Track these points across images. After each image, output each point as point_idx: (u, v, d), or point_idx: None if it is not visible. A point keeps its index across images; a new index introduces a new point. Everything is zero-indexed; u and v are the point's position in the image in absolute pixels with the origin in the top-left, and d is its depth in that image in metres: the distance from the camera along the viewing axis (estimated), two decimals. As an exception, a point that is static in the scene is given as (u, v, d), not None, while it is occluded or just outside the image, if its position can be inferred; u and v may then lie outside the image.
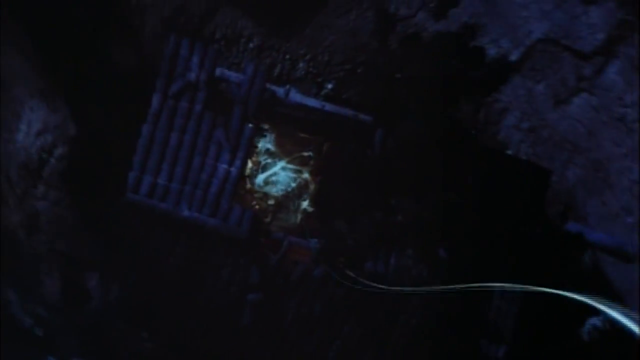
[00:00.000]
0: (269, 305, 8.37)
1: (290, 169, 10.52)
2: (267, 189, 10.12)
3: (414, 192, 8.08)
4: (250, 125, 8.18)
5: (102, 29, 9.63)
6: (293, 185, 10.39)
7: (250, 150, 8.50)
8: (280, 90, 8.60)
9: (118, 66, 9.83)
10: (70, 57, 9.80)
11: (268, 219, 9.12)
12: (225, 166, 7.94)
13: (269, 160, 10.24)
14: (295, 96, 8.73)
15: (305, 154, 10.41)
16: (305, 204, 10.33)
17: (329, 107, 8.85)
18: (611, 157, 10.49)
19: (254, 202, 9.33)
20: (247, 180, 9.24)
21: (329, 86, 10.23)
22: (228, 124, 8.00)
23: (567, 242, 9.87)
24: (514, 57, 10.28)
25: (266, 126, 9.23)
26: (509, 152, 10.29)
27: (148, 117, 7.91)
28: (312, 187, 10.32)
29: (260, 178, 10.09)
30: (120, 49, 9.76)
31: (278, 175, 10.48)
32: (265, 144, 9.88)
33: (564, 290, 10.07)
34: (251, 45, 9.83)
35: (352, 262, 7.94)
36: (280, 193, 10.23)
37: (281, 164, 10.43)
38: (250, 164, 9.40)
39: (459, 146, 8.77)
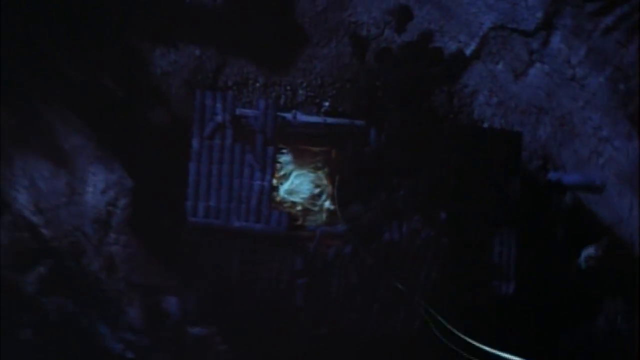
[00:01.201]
0: (315, 284, 10.35)
1: (308, 178, 12.59)
2: (293, 197, 12.17)
3: (410, 171, 10.05)
4: (271, 147, 10.29)
5: (137, 98, 11.91)
6: (313, 190, 12.44)
7: (274, 166, 10.58)
8: (288, 115, 10.71)
9: (155, 124, 12.09)
10: (117, 126, 12.07)
11: (299, 222, 11.15)
12: (259, 182, 10.04)
13: (290, 173, 12.33)
14: (301, 117, 10.83)
15: (319, 163, 12.49)
16: (327, 204, 12.37)
17: (329, 120, 10.94)
18: (572, 111, 12.41)
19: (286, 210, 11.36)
20: (275, 193, 11.30)
21: (326, 104, 12.35)
22: (254, 149, 10.12)
23: (547, 189, 11.72)
24: (472, 47, 12.32)
25: (283, 146, 11.31)
26: (485, 125, 12.26)
27: (192, 157, 10.05)
28: (329, 188, 12.36)
29: (284, 189, 12.15)
30: (154, 111, 12.03)
31: (299, 184, 12.55)
32: (284, 160, 11.97)
33: (554, 230, 11.94)
34: (258, 84, 12.03)
35: (372, 236, 9.92)
36: (304, 199, 12.28)
37: (300, 174, 12.51)
38: (274, 180, 11.46)
39: (440, 129, 10.76)
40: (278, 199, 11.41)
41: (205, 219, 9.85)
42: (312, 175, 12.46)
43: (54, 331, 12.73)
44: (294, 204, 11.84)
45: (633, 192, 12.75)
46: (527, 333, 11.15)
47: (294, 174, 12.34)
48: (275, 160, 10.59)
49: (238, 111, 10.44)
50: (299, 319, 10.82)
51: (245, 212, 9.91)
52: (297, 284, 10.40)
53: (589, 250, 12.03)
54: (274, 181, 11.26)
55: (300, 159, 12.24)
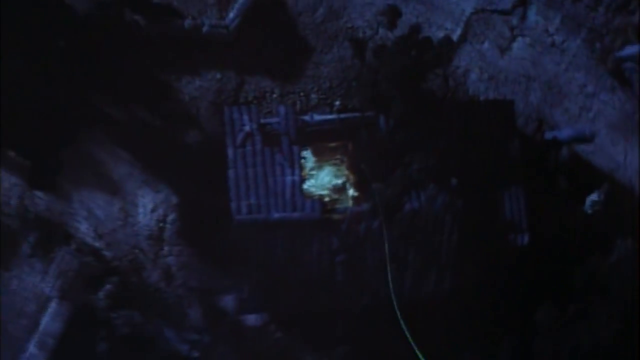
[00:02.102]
0: (352, 260, 11.72)
1: (331, 171, 14.01)
2: (320, 191, 13.59)
3: (419, 147, 11.42)
4: (296, 146, 11.77)
5: (171, 124, 13.50)
6: (337, 182, 13.85)
7: (301, 163, 12.04)
8: (306, 117, 12.19)
9: (190, 143, 13.65)
10: (156, 151, 13.64)
11: (330, 207, 12.55)
12: (290, 177, 11.50)
13: (314, 169, 13.76)
14: (317, 117, 12.31)
15: (338, 157, 13.92)
16: (351, 191, 13.77)
17: (342, 116, 12.40)
18: (557, 74, 13.73)
19: (315, 202, 12.76)
20: (305, 187, 12.74)
21: (337, 103, 13.81)
22: (282, 149, 11.60)
23: (545, 147, 13.00)
24: (458, 32, 13.73)
25: (306, 146, 12.77)
26: (481, 99, 13.62)
27: (229, 164, 11.55)
28: (351, 177, 13.76)
29: (311, 185, 13.57)
30: (188, 132, 13.60)
31: (323, 178, 13.97)
32: (308, 159, 13.40)
33: (557, 182, 13.20)
34: (274, 95, 13.54)
35: (395, 209, 11.27)
36: (330, 190, 13.70)
37: (323, 169, 13.93)
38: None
39: (440, 107, 12.15)
40: (307, 193, 12.85)
41: (248, 215, 11.32)
42: (333, 169, 13.92)
43: (125, 342, 14.23)
44: (322, 195, 13.27)
45: (626, 139, 13.97)
46: (544, 276, 12.36)
47: (318, 170, 13.81)
48: (301, 157, 12.04)
49: (262, 120, 11.95)
50: (342, 294, 12.19)
51: (282, 204, 11.36)
52: (336, 261, 11.80)
53: (593, 197, 13.24)
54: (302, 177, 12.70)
55: (321, 156, 13.70)
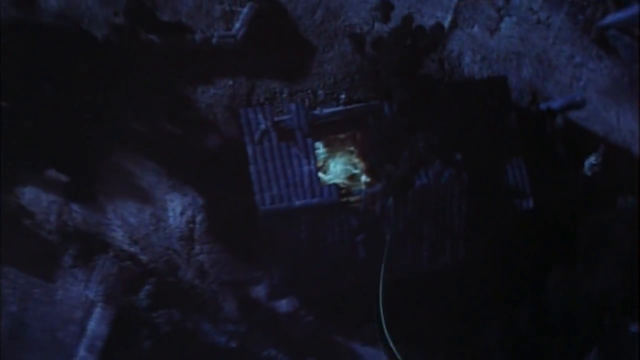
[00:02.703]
0: (371, 238, 12.65)
1: (343, 161, 14.97)
2: (334, 180, 14.53)
3: (423, 127, 12.34)
4: (309, 138, 12.75)
5: (192, 131, 14.54)
6: (351, 170, 14.80)
7: (315, 154, 13.02)
8: (316, 111, 13.18)
9: (210, 147, 14.66)
10: (180, 157, 14.67)
11: (346, 191, 13.51)
12: (306, 167, 12.47)
13: (327, 160, 14.72)
14: (326, 111, 13.30)
15: (348, 147, 14.88)
16: (363, 178, 14.71)
17: (349, 107, 13.39)
18: (545, 49, 14.62)
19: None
20: (321, 176, 13.70)
21: (343, 96, 14.77)
22: (296, 143, 12.59)
23: (541, 117, 13.87)
24: (448, 19, 14.67)
25: (318, 139, 13.74)
26: (476, 78, 14.53)
27: (250, 161, 12.55)
28: (362, 165, 14.71)
29: (326, 174, 14.53)
30: (207, 136, 14.62)
31: (336, 168, 14.92)
32: (321, 153, 14.36)
33: (555, 148, 14.06)
34: (284, 95, 14.55)
35: (406, 186, 12.18)
36: (344, 178, 14.64)
37: (335, 161, 14.89)
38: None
39: (438, 90, 13.08)
40: (323, 183, 13.80)
41: (272, 205, 12.30)
42: (345, 159, 14.89)
43: (167, 339, 15.23)
44: (337, 185, 14.24)
45: (617, 103, 14.81)
46: (551, 237, 13.21)
47: (331, 162, 14.79)
48: (315, 149, 13.02)
49: (276, 118, 12.96)
50: (365, 272, 13.12)
51: (302, 192, 12.34)
52: (357, 240, 12.73)
53: (591, 160, 14.08)
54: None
55: (333, 148, 14.69)
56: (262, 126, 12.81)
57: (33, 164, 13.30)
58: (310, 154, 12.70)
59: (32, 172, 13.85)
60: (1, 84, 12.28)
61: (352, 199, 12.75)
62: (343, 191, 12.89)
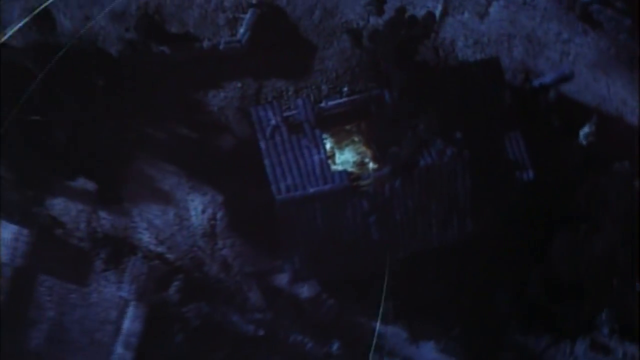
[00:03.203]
0: (382, 218, 13.46)
1: (350, 150, 15.79)
2: (345, 167, 15.35)
3: (423, 110, 13.16)
4: (317, 129, 13.61)
5: (207, 134, 15.46)
6: (358, 158, 15.62)
7: (324, 143, 13.88)
8: (321, 105, 14.06)
9: (225, 147, 15.56)
10: (197, 159, 15.57)
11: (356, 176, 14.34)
12: (317, 156, 13.35)
13: (336, 151, 15.55)
14: (331, 103, 14.18)
15: (354, 136, 15.70)
16: (371, 164, 15.53)
17: (352, 98, 14.24)
18: (534, 28, 15.41)
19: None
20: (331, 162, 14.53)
21: (345, 89, 15.62)
22: (306, 135, 13.46)
23: (534, 93, 14.64)
24: (439, 7, 15.51)
25: (325, 132, 14.58)
26: (470, 61, 15.33)
27: (264, 155, 13.43)
28: (368, 152, 15.53)
29: (335, 164, 15.33)
30: (221, 137, 15.53)
31: (345, 157, 15.74)
32: (328, 143, 15.21)
33: (551, 121, 14.82)
34: (290, 92, 15.43)
35: (411, 166, 13.01)
36: (353, 166, 15.46)
37: (343, 150, 15.72)
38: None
39: (435, 74, 13.92)
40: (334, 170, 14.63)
41: (287, 194, 13.18)
42: (353, 148, 15.72)
43: (198, 331, 16.09)
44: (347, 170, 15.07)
45: (606, 75, 15.56)
46: (553, 204, 13.96)
47: (339, 152, 15.63)
48: (323, 139, 13.88)
49: (285, 114, 13.85)
50: (379, 251, 13.94)
51: (314, 179, 13.21)
52: (369, 222, 13.55)
53: (585, 130, 14.81)
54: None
55: (339, 139, 15.52)
56: (273, 122, 13.70)
57: (63, 173, 14.26)
58: (319, 144, 13.56)
59: (62, 181, 14.84)
60: (31, 100, 13.29)
61: (361, 182, 13.57)
62: (352, 176, 13.71)
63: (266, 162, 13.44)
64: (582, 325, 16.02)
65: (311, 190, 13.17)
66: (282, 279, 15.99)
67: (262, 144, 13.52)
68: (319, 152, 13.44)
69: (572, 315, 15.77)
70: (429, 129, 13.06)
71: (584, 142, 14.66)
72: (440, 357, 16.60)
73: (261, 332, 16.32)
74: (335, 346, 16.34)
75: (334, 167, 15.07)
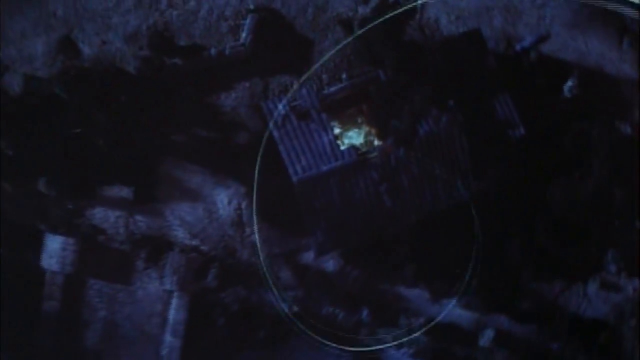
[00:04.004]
0: (392, 186, 14.79)
1: (355, 132, 17.16)
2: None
3: (415, 84, 14.51)
4: (323, 114, 15.03)
5: (224, 132, 16.93)
6: (364, 138, 16.96)
7: (331, 125, 15.29)
8: (325, 91, 15.48)
9: (241, 142, 17.02)
10: (219, 156, 17.06)
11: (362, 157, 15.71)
12: (325, 137, 14.77)
13: (342, 134, 16.93)
14: (333, 89, 15.59)
15: (357, 119, 17.06)
16: (376, 142, 16.87)
17: (351, 81, 15.63)
18: (512, -2, 16.66)
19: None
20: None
21: (344, 76, 17.00)
22: (313, 120, 14.88)
23: (517, 57, 15.93)
24: (420, -9, 16.85)
25: (331, 118, 15.97)
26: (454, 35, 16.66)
27: (278, 142, 14.87)
28: (372, 131, 16.88)
29: (343, 146, 16.69)
30: (238, 134, 16.99)
31: (352, 138, 17.09)
32: (334, 127, 16.59)
33: (535, 79, 16.06)
34: (294, 86, 16.86)
35: (412, 135, 14.36)
36: (359, 144, 16.81)
37: (349, 132, 17.09)
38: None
39: (424, 50, 15.26)
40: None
41: (303, 174, 14.60)
42: (357, 129, 17.09)
43: (238, 314, 17.51)
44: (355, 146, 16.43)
45: (582, 32, 16.78)
46: (546, 155, 15.22)
47: (345, 134, 17.01)
48: (329, 122, 15.28)
49: (292, 103, 15.29)
50: (394, 217, 15.28)
51: (326, 158, 14.63)
52: (381, 190, 14.91)
53: (569, 84, 16.04)
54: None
55: (344, 122, 16.91)
56: (282, 112, 15.16)
57: (99, 183, 15.85)
58: (326, 126, 14.99)
59: (99, 192, 16.46)
60: (66, 120, 14.94)
61: (369, 156, 14.95)
62: (360, 152, 15.09)
63: (281, 148, 14.89)
64: (590, 267, 17.17)
65: (324, 168, 14.58)
66: (309, 257, 17.38)
67: (275, 133, 14.98)
68: (327, 134, 14.86)
69: (580, 258, 16.95)
70: (424, 100, 14.41)
71: (569, 95, 15.87)
72: (463, 312, 17.90)
73: (296, 309, 17.71)
74: (364, 313, 17.68)
75: (342, 147, 16.51)
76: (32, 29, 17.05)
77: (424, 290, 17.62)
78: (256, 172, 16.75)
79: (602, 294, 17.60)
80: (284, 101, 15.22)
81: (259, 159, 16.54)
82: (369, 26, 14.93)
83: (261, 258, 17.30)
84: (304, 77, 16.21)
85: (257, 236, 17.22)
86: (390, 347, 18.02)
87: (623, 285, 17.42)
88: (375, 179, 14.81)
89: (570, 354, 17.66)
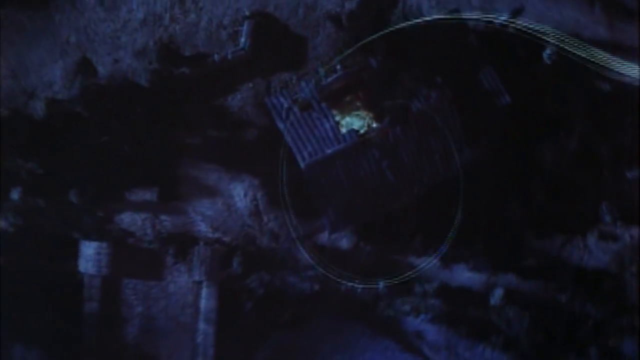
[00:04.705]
0: (393, 162, 16.13)
1: (354, 117, 18.46)
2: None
3: (404, 66, 15.85)
4: (323, 103, 16.40)
5: (234, 131, 18.35)
6: (362, 120, 18.27)
7: (332, 112, 16.65)
8: (322, 83, 16.86)
9: (251, 138, 18.41)
10: (231, 153, 18.46)
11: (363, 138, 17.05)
12: (327, 124, 16.15)
13: (342, 120, 18.25)
14: (329, 79, 16.96)
15: (355, 104, 18.37)
16: (374, 124, 18.19)
17: (345, 71, 17.00)
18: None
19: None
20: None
21: (339, 67, 18.33)
22: (315, 109, 16.27)
23: (499, 30, 17.20)
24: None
25: (330, 107, 17.32)
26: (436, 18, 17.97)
27: (284, 133, 16.25)
28: (369, 114, 18.19)
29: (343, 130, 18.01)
30: (247, 131, 18.39)
31: (351, 123, 18.38)
32: (335, 114, 17.93)
33: (516, 49, 17.32)
34: (293, 80, 18.22)
35: (406, 112, 15.70)
36: (360, 126, 18.11)
37: (348, 118, 18.40)
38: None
39: (408, 35, 16.60)
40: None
41: (310, 158, 15.96)
42: (355, 114, 18.41)
43: (264, 297, 18.87)
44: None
45: (556, 2, 18.01)
46: (534, 119, 16.50)
47: (345, 120, 18.33)
48: (330, 110, 16.65)
49: (293, 97, 16.69)
50: (397, 190, 16.59)
51: (329, 142, 16.00)
52: (383, 167, 16.23)
53: (547, 51, 17.25)
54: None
55: (342, 109, 18.22)
56: (286, 105, 16.55)
57: (125, 188, 17.38)
58: (327, 114, 16.37)
59: (124, 198, 18.00)
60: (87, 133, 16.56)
61: (368, 136, 16.28)
62: (360, 133, 16.44)
63: (287, 139, 16.29)
64: (587, 220, 18.35)
65: (329, 151, 15.96)
66: (324, 237, 18.73)
67: (281, 125, 16.37)
68: (328, 121, 16.24)
69: (576, 212, 18.13)
70: (413, 79, 15.74)
71: (549, 62, 17.09)
72: (472, 275, 19.12)
73: (317, 287, 19.04)
74: (381, 285, 18.97)
75: (343, 131, 17.89)
76: (49, 57, 18.56)
77: (434, 258, 18.89)
78: (266, 163, 18.17)
79: (601, 245, 18.75)
80: (286, 95, 16.62)
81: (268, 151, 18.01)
82: (356, 19, 16.30)
83: (280, 243, 18.70)
84: (302, 72, 17.63)
85: (274, 223, 18.62)
86: (410, 314, 19.31)
87: (620, 234, 18.56)
88: (376, 157, 16.14)
89: (577, 303, 18.82)
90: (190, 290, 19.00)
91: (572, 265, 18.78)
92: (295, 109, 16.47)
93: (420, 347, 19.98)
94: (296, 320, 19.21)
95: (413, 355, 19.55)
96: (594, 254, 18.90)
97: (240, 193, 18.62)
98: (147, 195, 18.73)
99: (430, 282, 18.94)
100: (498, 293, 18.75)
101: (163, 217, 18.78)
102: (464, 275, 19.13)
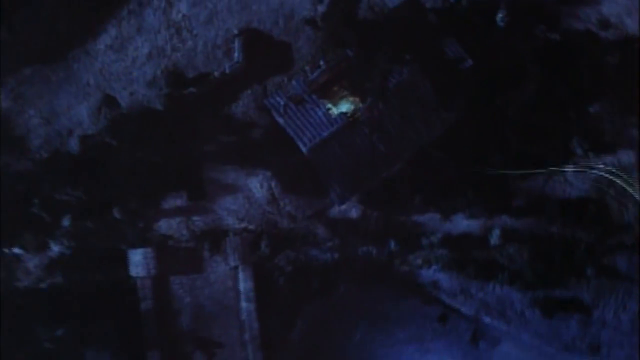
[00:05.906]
0: (382, 134, 18.75)
1: (344, 103, 21.13)
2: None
3: (376, 50, 18.48)
4: (314, 95, 19.12)
5: (242, 134, 21.15)
6: (353, 105, 20.91)
7: (323, 102, 19.35)
8: (310, 78, 19.58)
9: (257, 135, 21.18)
10: (244, 152, 21.28)
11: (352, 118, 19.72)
12: (319, 111, 18.84)
13: (333, 108, 20.93)
14: (315, 74, 19.68)
15: (343, 93, 21.05)
16: (359, 104, 20.80)
17: (328, 66, 19.71)
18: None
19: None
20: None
21: (322, 63, 20.91)
22: (307, 102, 18.98)
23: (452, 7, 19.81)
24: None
25: (322, 97, 20.04)
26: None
27: (285, 127, 18.96)
28: (357, 99, 20.83)
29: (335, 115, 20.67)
30: (254, 131, 21.16)
31: (341, 108, 21.05)
32: (326, 103, 20.62)
33: (469, 18, 19.87)
34: (285, 81, 20.95)
35: (385, 89, 18.32)
36: (350, 109, 20.75)
37: (338, 104, 21.07)
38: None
39: (377, 23, 19.27)
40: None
41: (310, 143, 18.68)
42: (344, 101, 21.07)
43: (293, 272, 21.57)
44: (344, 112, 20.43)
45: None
46: (495, 75, 19.13)
47: (336, 107, 21.01)
48: (320, 100, 19.36)
49: (287, 94, 19.44)
50: (390, 158, 19.22)
51: (324, 126, 18.70)
52: (374, 140, 18.86)
53: (499, 15, 19.73)
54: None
55: (333, 98, 20.89)
56: (282, 102, 19.31)
57: (160, 194, 20.29)
58: (318, 103, 19.09)
59: (159, 205, 20.91)
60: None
61: (357, 116, 18.96)
62: (349, 114, 19.12)
63: (288, 130, 19.01)
64: (563, 155, 20.73)
65: (324, 134, 18.66)
66: (334, 211, 21.40)
67: (281, 120, 19.12)
68: (320, 108, 18.96)
69: (552, 150, 20.53)
70: (386, 60, 18.38)
71: (502, 24, 19.59)
72: (470, 222, 21.57)
73: (337, 256, 21.69)
74: (392, 245, 21.53)
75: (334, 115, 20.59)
76: (75, 100, 21.48)
77: (435, 213, 21.38)
78: (274, 156, 20.91)
79: (579, 176, 21.09)
80: (281, 94, 19.37)
81: (273, 145, 20.74)
82: (329, 18, 19.03)
83: (298, 222, 21.41)
84: (291, 73, 20.40)
85: (290, 206, 21.34)
86: (423, 267, 21.82)
87: (594, 163, 20.89)
88: (366, 132, 18.80)
89: (568, 231, 21.15)
90: (229, 276, 21.79)
91: (557, 198, 21.12)
92: (291, 105, 19.20)
93: (438, 296, 22.46)
94: (324, 289, 21.84)
95: (431, 306, 22.01)
96: (574, 185, 21.23)
97: (257, 185, 21.38)
98: (177, 201, 21.61)
99: (434, 234, 21.45)
100: (496, 233, 21.16)
101: (194, 218, 21.62)
102: (463, 223, 21.57)
